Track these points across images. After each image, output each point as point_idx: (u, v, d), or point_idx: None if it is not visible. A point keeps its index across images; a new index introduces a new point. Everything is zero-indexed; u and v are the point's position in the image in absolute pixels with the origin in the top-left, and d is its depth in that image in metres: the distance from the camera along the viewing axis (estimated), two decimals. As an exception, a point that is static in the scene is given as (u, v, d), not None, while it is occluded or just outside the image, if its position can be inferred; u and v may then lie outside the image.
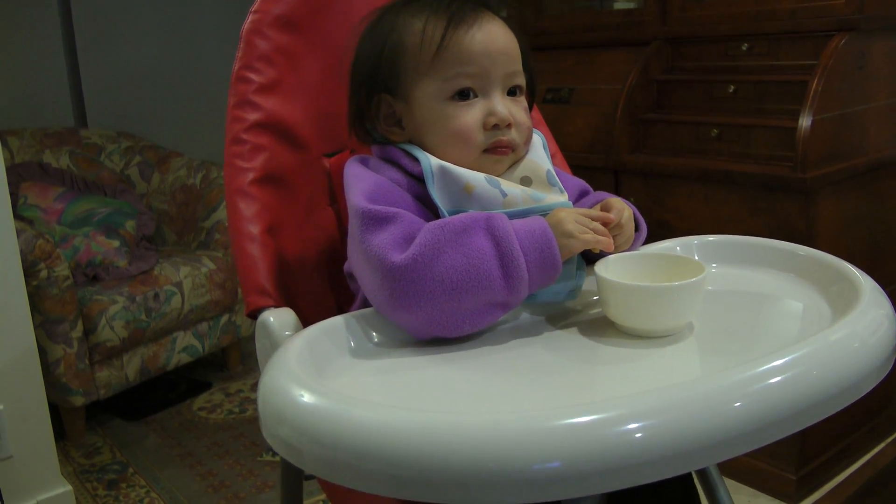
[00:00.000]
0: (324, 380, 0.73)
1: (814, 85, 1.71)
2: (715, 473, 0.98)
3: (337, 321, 0.81)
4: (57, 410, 2.38)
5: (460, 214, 0.80)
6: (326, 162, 1.09)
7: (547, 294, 0.83)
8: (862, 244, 1.90)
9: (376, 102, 0.91)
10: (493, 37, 0.87)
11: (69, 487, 1.93)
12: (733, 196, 1.85)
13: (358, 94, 0.92)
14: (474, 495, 0.56)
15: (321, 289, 1.06)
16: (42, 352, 2.25)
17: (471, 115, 0.86)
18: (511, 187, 0.86)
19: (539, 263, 0.78)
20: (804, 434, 1.83)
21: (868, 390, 0.69)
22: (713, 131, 1.91)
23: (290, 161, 1.05)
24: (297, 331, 0.88)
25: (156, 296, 2.46)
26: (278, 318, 0.90)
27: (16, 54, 2.89)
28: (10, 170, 2.56)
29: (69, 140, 2.83)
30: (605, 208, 0.87)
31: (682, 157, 1.97)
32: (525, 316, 0.85)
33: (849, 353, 0.68)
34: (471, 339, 0.80)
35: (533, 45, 2.59)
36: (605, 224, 0.83)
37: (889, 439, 2.12)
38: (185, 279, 2.55)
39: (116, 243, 2.56)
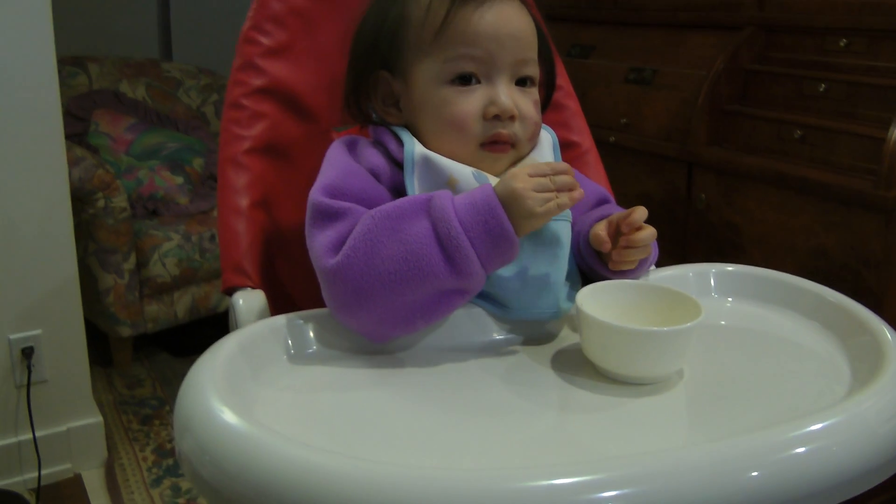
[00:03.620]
0: (255, 386, 0.67)
1: (914, 93, 1.54)
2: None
3: (287, 319, 0.75)
4: (107, 339, 2.42)
5: (401, 199, 0.73)
6: (336, 136, 1.02)
7: (526, 310, 0.76)
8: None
9: (374, 79, 0.83)
10: (504, 18, 0.77)
11: (100, 418, 1.94)
12: (808, 206, 1.69)
13: (356, 67, 0.84)
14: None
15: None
16: (94, 280, 2.28)
17: (470, 102, 0.78)
18: None
19: (485, 237, 0.69)
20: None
21: (887, 477, 0.59)
22: (797, 132, 1.75)
23: (295, 132, 0.98)
24: (263, 317, 0.82)
25: (212, 237, 2.46)
26: (248, 302, 0.85)
27: (106, -19, 2.89)
28: (86, 96, 2.58)
29: (148, 71, 2.83)
30: (628, 215, 0.77)
31: (759, 156, 1.81)
32: (497, 337, 0.76)
33: (875, 427, 0.59)
34: (427, 356, 0.72)
35: (620, 21, 2.40)
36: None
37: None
38: (242, 223, 2.53)
39: (180, 180, 2.57)
